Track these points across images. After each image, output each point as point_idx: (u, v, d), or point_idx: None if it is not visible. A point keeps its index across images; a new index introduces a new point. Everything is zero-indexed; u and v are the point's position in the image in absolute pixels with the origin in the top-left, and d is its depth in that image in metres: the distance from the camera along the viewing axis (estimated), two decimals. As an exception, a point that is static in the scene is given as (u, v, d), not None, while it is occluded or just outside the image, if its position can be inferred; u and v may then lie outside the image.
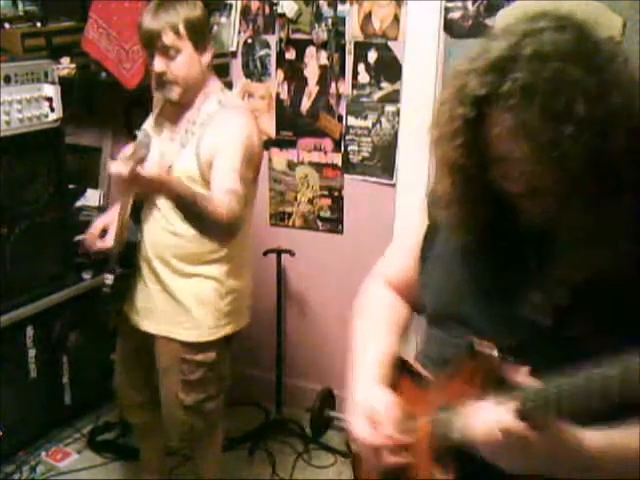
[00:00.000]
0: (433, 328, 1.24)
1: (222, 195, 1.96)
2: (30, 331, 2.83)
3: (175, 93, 2.10)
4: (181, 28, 2.03)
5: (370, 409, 1.18)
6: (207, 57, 2.13)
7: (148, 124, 2.28)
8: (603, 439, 0.97)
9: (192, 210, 1.91)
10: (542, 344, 1.01)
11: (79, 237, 2.30)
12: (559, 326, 1.01)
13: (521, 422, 0.93)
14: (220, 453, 2.54)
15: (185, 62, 2.07)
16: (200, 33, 2.09)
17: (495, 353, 1.03)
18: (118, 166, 1.75)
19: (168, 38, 2.03)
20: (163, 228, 2.16)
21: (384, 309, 1.37)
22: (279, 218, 3.12)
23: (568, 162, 0.91)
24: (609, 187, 0.93)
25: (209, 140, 2.06)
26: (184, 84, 2.09)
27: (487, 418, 0.97)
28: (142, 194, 2.13)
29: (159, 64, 2.06)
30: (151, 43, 2.05)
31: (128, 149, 1.82)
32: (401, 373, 1.27)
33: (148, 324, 2.26)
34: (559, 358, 0.95)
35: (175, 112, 2.17)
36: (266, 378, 3.15)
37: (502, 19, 2.48)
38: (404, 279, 1.34)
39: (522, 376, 0.96)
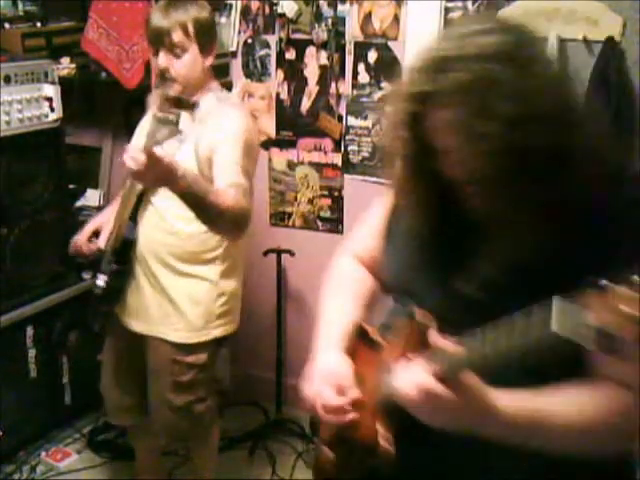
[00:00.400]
0: (390, 300, 1.33)
1: (228, 189, 1.96)
2: (30, 331, 2.83)
3: (174, 90, 2.10)
4: (190, 28, 2.06)
5: (330, 374, 1.26)
6: (210, 60, 2.15)
7: (145, 122, 2.27)
8: (517, 400, 1.03)
9: (202, 204, 1.88)
10: (473, 316, 1.07)
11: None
12: (489, 300, 1.07)
13: (438, 382, 1.01)
14: (216, 453, 2.54)
15: (189, 62, 2.09)
16: (207, 35, 2.12)
17: (430, 321, 1.13)
18: (135, 152, 1.72)
19: (177, 36, 2.05)
20: (159, 226, 2.16)
21: (351, 281, 1.44)
22: (279, 218, 3.12)
23: (495, 156, 0.98)
24: (533, 180, 1.00)
25: (207, 137, 2.07)
26: (184, 83, 2.10)
27: (409, 378, 1.06)
28: (152, 185, 2.03)
29: (164, 60, 2.08)
30: (159, 40, 2.07)
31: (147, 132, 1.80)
32: (361, 341, 1.34)
33: (139, 325, 2.26)
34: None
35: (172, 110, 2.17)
36: (266, 378, 3.15)
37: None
38: (371, 256, 1.40)
39: (445, 342, 1.03)
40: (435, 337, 1.05)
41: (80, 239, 2.25)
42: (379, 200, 1.39)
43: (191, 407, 2.28)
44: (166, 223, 2.14)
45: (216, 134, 2.07)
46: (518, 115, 0.95)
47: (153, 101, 2.32)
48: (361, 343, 1.34)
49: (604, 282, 0.80)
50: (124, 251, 2.22)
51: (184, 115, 2.06)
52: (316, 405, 1.27)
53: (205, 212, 1.91)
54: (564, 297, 0.84)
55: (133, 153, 1.72)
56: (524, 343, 0.90)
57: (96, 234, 2.31)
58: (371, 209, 1.44)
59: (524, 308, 0.96)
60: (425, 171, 1.11)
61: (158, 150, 1.76)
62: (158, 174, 1.77)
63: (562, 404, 1.03)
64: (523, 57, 0.99)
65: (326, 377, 1.27)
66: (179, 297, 2.20)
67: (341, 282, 1.45)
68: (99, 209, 2.29)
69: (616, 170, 1.06)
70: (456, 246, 1.16)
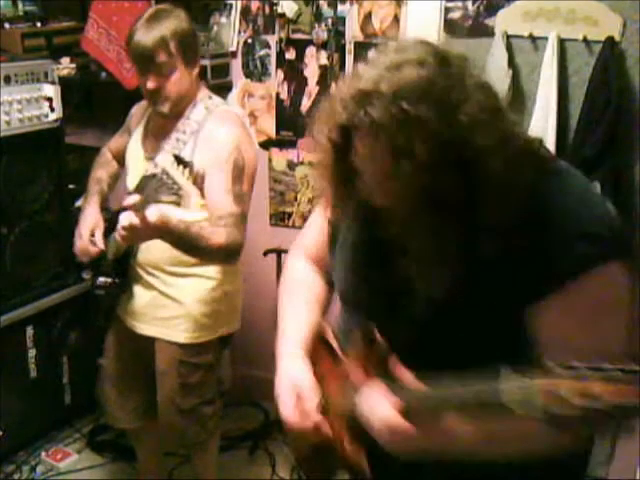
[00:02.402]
0: (341, 306, 1.36)
1: (219, 222, 2.00)
2: (30, 331, 2.83)
3: (167, 108, 2.10)
4: (172, 45, 2.02)
5: (295, 387, 1.27)
6: (196, 70, 2.13)
7: (134, 140, 2.27)
8: (472, 423, 1.07)
9: (194, 249, 2.00)
10: (421, 334, 1.14)
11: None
12: (435, 320, 1.11)
13: (402, 418, 1.06)
14: (217, 454, 2.53)
15: (177, 79, 2.06)
16: (190, 48, 2.08)
17: (384, 345, 1.16)
18: (129, 217, 1.81)
19: (161, 57, 2.02)
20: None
21: (305, 285, 1.46)
22: (279, 218, 3.12)
23: (404, 192, 1.02)
24: (443, 214, 1.02)
25: (199, 155, 2.06)
26: (177, 99, 2.09)
27: (375, 411, 1.10)
28: (145, 241, 2.09)
29: (152, 83, 2.06)
30: (145, 64, 2.05)
31: (134, 198, 1.86)
32: (320, 345, 1.36)
33: (145, 327, 2.26)
34: (436, 353, 1.11)
35: (164, 123, 2.16)
36: (266, 378, 3.12)
37: (499, 19, 2.49)
38: (320, 253, 1.43)
39: (409, 377, 1.09)
40: (398, 369, 1.10)
41: (84, 243, 2.21)
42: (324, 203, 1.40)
43: (198, 410, 2.28)
44: None
45: (206, 154, 2.06)
46: (431, 157, 0.96)
47: (135, 118, 2.31)
48: (321, 346, 1.36)
49: (551, 364, 0.88)
50: (123, 260, 2.22)
51: (175, 129, 2.11)
52: (281, 413, 1.29)
53: (197, 254, 2.05)
54: (513, 371, 0.92)
55: (129, 218, 1.81)
56: (475, 401, 0.98)
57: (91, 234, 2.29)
58: (319, 209, 1.45)
59: (468, 325, 1.07)
60: (352, 193, 1.13)
61: (151, 211, 1.83)
62: (150, 234, 1.89)
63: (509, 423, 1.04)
64: (437, 95, 0.97)
65: (288, 385, 1.28)
66: (184, 297, 2.20)
67: (297, 286, 1.46)
68: (101, 209, 2.27)
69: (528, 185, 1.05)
70: (393, 266, 1.17)
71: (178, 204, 2.03)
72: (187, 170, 2.04)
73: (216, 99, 2.22)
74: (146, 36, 2.01)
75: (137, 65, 2.09)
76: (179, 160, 2.04)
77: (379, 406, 1.09)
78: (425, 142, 0.96)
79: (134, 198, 1.85)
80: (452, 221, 1.03)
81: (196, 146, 2.09)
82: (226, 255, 2.07)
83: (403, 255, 1.12)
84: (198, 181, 2.06)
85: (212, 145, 2.07)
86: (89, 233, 2.18)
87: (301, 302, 1.43)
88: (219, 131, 2.10)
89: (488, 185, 1.00)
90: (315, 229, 1.45)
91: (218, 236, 1.99)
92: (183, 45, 2.05)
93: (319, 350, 1.35)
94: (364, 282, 1.26)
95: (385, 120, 0.97)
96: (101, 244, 2.17)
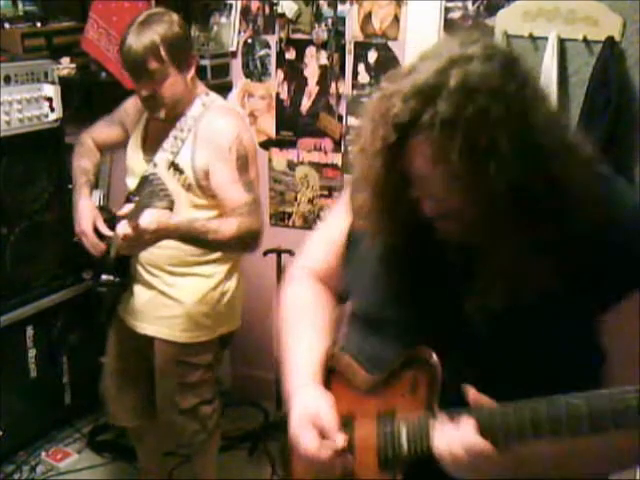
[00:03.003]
0: (363, 327, 1.24)
1: (231, 218, 2.01)
2: (30, 331, 2.83)
3: (163, 114, 2.10)
4: (162, 52, 2.00)
5: (310, 416, 1.15)
6: (191, 72, 2.11)
7: (133, 141, 2.27)
8: (551, 449, 0.99)
9: (203, 243, 2.02)
10: (477, 354, 1.04)
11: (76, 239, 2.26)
12: (494, 336, 1.03)
13: (484, 440, 0.96)
14: (216, 454, 2.53)
15: (170, 85, 2.05)
16: (181, 52, 2.06)
17: (436, 363, 1.05)
18: (123, 228, 1.84)
19: (152, 65, 2.00)
20: None
21: (313, 306, 1.34)
22: (279, 218, 3.12)
23: (487, 196, 0.93)
24: (526, 218, 0.95)
25: (201, 151, 2.07)
26: (172, 104, 2.09)
27: (450, 435, 0.99)
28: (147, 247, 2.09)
29: (145, 90, 2.06)
30: (136, 72, 2.04)
31: (127, 208, 1.89)
32: (332, 371, 1.26)
33: (145, 326, 2.26)
34: (494, 365, 1.02)
35: (163, 125, 2.16)
36: (266, 378, 3.14)
37: (500, 19, 2.49)
38: (327, 270, 1.34)
39: (476, 395, 0.99)
40: (475, 395, 0.99)
41: (92, 239, 2.19)
42: (336, 214, 1.33)
43: (197, 409, 2.28)
44: None
45: (209, 150, 2.06)
46: (515, 154, 0.90)
47: (137, 113, 2.30)
48: (334, 374, 1.25)
49: None
50: (124, 259, 2.21)
51: (172, 128, 2.12)
52: (299, 453, 1.16)
53: (208, 248, 2.07)
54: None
55: (123, 229, 1.86)
56: (586, 414, 0.90)
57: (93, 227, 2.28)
58: (327, 222, 1.38)
59: (534, 340, 0.99)
60: (395, 200, 1.05)
61: (146, 217, 1.87)
62: (149, 240, 1.93)
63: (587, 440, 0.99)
64: (510, 90, 0.92)
65: (306, 419, 1.15)
66: (184, 297, 2.20)
67: (302, 311, 1.34)
68: (100, 209, 2.27)
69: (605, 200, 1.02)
70: (439, 274, 1.10)
71: (171, 209, 2.04)
72: (179, 174, 2.06)
73: (213, 95, 2.21)
74: (136, 43, 1.99)
75: (129, 72, 2.08)
76: (172, 165, 2.06)
77: (459, 433, 0.98)
78: (507, 139, 0.90)
79: (127, 208, 1.89)
80: (534, 225, 0.95)
81: (196, 142, 2.08)
82: (242, 244, 2.06)
83: (462, 268, 1.06)
84: (199, 178, 2.07)
85: (212, 138, 2.07)
86: (92, 228, 2.17)
87: (308, 329, 1.30)
88: (218, 124, 2.10)
89: (566, 192, 0.95)
90: (325, 244, 1.35)
91: (228, 227, 1.99)
92: (174, 50, 2.02)
93: (335, 380, 1.25)
94: (404, 299, 1.15)
95: (460, 116, 0.89)
96: (107, 231, 2.16)
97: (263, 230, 2.09)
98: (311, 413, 1.15)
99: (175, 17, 2.09)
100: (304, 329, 1.31)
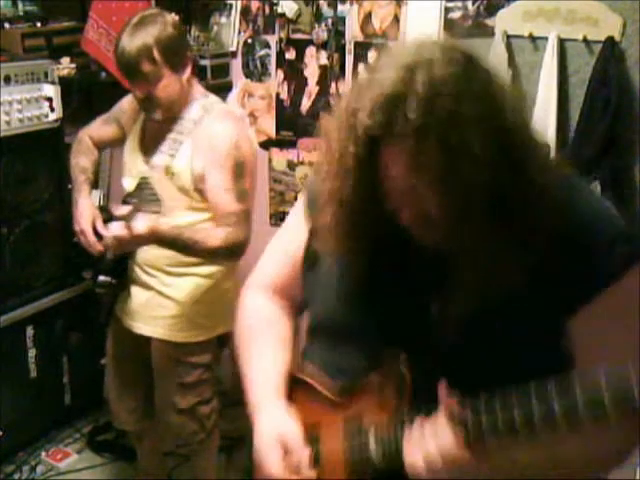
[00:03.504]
0: (326, 337, 1.22)
1: (222, 221, 2.03)
2: (30, 331, 2.83)
3: (159, 114, 2.10)
4: (155, 54, 2.00)
5: (280, 439, 1.14)
6: (187, 72, 2.10)
7: (131, 141, 2.26)
8: (527, 450, 0.99)
9: (189, 251, 2.05)
10: (445, 356, 1.04)
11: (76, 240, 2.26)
12: (462, 338, 1.03)
13: (464, 446, 0.95)
14: (216, 454, 2.53)
15: (165, 86, 2.05)
16: (175, 53, 2.05)
17: (405, 365, 1.05)
18: (117, 228, 1.88)
19: (145, 67, 2.00)
20: None
21: (268, 323, 1.33)
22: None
23: (463, 195, 0.92)
24: (499, 216, 0.95)
25: (199, 155, 2.06)
26: (167, 104, 2.09)
27: (425, 446, 0.98)
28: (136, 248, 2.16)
29: (140, 91, 2.06)
30: (130, 73, 2.04)
31: (124, 210, 1.93)
32: (294, 385, 1.24)
33: (143, 327, 2.26)
34: (462, 367, 1.02)
35: (160, 126, 2.16)
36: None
37: (499, 19, 2.49)
38: (284, 283, 1.33)
39: (445, 395, 0.98)
40: (443, 394, 0.98)
41: (91, 239, 2.19)
42: (293, 225, 1.32)
43: (196, 409, 2.28)
44: None
45: (206, 155, 2.05)
46: (488, 151, 0.90)
47: (134, 112, 2.30)
48: (295, 388, 1.23)
49: None
50: (122, 260, 2.22)
51: (170, 130, 2.14)
52: (264, 474, 1.14)
53: (194, 256, 2.10)
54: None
55: (116, 229, 1.92)
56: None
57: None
58: (284, 233, 1.37)
59: (506, 341, 1.01)
60: (364, 216, 1.03)
61: (139, 222, 1.93)
62: (139, 243, 2.02)
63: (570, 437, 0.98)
64: (476, 91, 0.92)
65: (273, 438, 1.14)
66: (182, 297, 2.20)
67: (259, 327, 1.33)
68: (100, 209, 2.27)
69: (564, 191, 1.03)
70: (409, 282, 1.10)
71: (163, 213, 2.06)
72: (177, 178, 2.06)
73: (212, 97, 2.21)
74: (129, 45, 2.00)
75: (123, 74, 2.09)
76: (169, 168, 2.06)
77: (435, 440, 0.97)
78: (478, 138, 0.90)
79: (125, 209, 1.93)
80: (507, 225, 0.96)
81: (194, 146, 2.08)
82: (226, 255, 2.08)
83: (431, 274, 1.06)
84: (196, 182, 2.07)
85: (210, 144, 2.06)
86: (91, 227, 2.17)
87: (267, 343, 1.29)
88: (217, 129, 2.09)
89: (532, 188, 0.95)
90: (280, 258, 1.34)
91: (214, 238, 2.02)
92: (167, 51, 2.02)
93: (295, 392, 1.22)
94: (368, 307, 1.14)
95: (432, 120, 0.89)
96: (105, 232, 2.16)
97: (249, 241, 2.09)
98: (278, 432, 1.14)
99: (169, 18, 2.09)
100: (264, 342, 1.30)
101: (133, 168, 2.22)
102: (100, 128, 2.39)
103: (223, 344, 2.35)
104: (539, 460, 1.00)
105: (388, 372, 1.08)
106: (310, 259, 1.24)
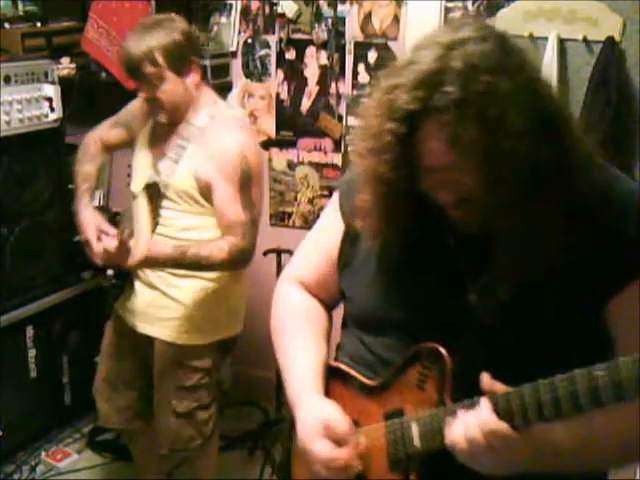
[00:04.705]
0: (363, 331, 1.22)
1: (228, 232, 2.05)
2: (30, 331, 2.83)
3: (163, 117, 2.12)
4: (158, 58, 2.01)
5: (325, 427, 1.13)
6: (193, 77, 2.10)
7: (141, 144, 2.26)
8: (570, 428, 0.98)
9: (194, 268, 2.08)
10: (485, 344, 1.04)
11: (78, 238, 2.26)
12: (501, 324, 1.03)
13: (502, 422, 0.95)
14: (216, 456, 2.53)
15: (169, 89, 2.06)
16: (179, 58, 2.05)
17: (446, 355, 1.05)
18: (109, 242, 1.93)
19: (147, 69, 2.02)
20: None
21: (306, 317, 1.33)
22: (279, 218, 3.12)
23: (503, 170, 0.93)
24: (539, 193, 0.96)
25: (206, 164, 2.06)
26: (171, 107, 2.09)
27: (466, 421, 0.98)
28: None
29: (144, 93, 2.09)
30: (134, 74, 2.06)
31: (121, 231, 1.98)
32: (332, 378, 1.24)
33: (146, 327, 2.25)
34: (502, 352, 1.02)
35: (168, 128, 2.16)
36: (266, 378, 3.14)
37: (499, 19, 2.49)
38: (318, 279, 1.33)
39: (490, 381, 0.97)
40: (489, 381, 0.97)
41: (99, 249, 2.17)
42: (327, 220, 1.31)
43: (194, 414, 2.27)
44: (168, 238, 2.14)
45: (213, 163, 2.05)
46: (527, 127, 0.91)
47: (143, 115, 2.30)
48: (333, 381, 1.24)
49: None
50: None
51: (176, 135, 2.15)
52: (314, 466, 1.13)
53: (200, 271, 2.12)
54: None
55: (108, 243, 1.97)
56: (610, 385, 0.89)
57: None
58: (318, 229, 1.35)
59: (544, 330, 1.00)
60: (401, 195, 1.04)
61: (136, 251, 1.99)
62: (137, 266, 2.07)
63: (610, 422, 0.99)
64: (512, 65, 0.94)
65: (317, 430, 1.13)
66: (186, 299, 2.20)
67: (297, 319, 1.33)
68: (101, 209, 2.27)
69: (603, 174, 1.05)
70: (443, 271, 1.10)
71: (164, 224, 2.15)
72: (182, 183, 2.07)
73: (221, 104, 2.22)
74: (133, 48, 2.02)
75: (128, 75, 2.11)
76: (175, 174, 2.08)
77: (475, 417, 0.96)
78: (517, 110, 0.91)
79: (122, 231, 1.99)
80: (547, 205, 0.96)
81: (200, 154, 2.08)
82: (232, 265, 2.10)
83: (466, 251, 1.06)
84: (202, 188, 2.07)
85: (217, 153, 2.06)
86: (96, 237, 2.14)
87: (307, 334, 1.29)
88: (224, 139, 2.08)
89: (573, 163, 0.96)
90: (316, 254, 1.32)
91: (219, 251, 2.03)
92: (171, 55, 2.02)
93: (335, 386, 1.23)
94: (406, 298, 1.14)
95: (470, 94, 0.90)
96: (112, 231, 2.15)
97: (255, 250, 2.11)
98: (322, 424, 1.13)
99: (179, 23, 2.10)
100: (301, 336, 1.30)
101: (141, 170, 2.22)
102: (108, 131, 2.39)
103: (226, 350, 2.34)
104: (579, 445, 1.00)
105: (428, 364, 1.08)
106: (347, 254, 1.24)
